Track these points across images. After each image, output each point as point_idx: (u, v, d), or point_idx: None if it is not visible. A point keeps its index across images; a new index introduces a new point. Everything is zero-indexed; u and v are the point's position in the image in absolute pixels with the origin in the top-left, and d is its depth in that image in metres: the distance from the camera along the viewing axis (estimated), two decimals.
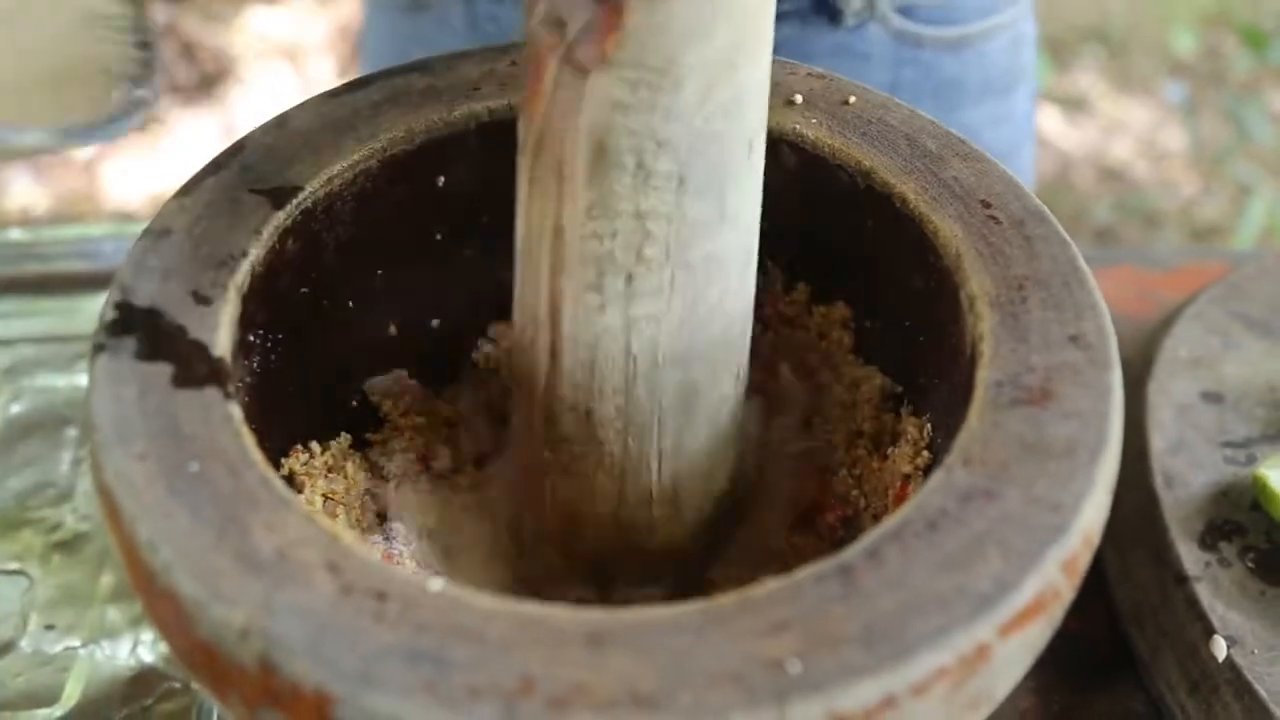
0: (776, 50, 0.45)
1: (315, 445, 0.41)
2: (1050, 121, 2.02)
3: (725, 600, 0.28)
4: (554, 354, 0.37)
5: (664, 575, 0.43)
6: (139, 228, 0.72)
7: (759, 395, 0.48)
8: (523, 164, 0.36)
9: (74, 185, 1.85)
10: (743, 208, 0.38)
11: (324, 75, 2.03)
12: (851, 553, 0.29)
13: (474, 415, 0.48)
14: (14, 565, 0.54)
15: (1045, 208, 0.39)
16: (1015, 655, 0.29)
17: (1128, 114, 2.08)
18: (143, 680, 0.49)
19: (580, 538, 0.41)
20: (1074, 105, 2.09)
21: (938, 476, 0.31)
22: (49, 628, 0.51)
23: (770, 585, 0.28)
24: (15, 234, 0.73)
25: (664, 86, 0.32)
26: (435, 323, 0.48)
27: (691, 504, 0.42)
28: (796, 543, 0.44)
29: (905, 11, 0.69)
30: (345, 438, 0.43)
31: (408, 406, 0.46)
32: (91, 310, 0.68)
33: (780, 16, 0.77)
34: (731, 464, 0.43)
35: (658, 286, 0.36)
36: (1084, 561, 0.31)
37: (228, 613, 0.27)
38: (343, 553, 0.29)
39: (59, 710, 0.48)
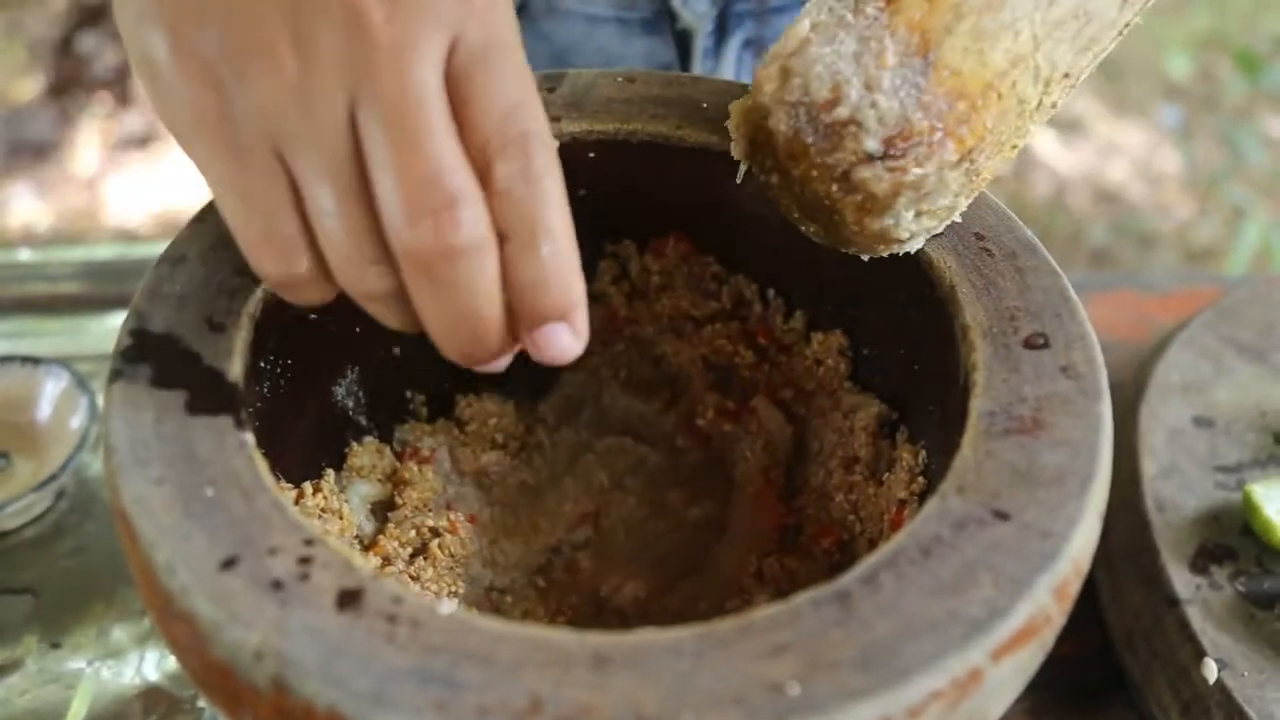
0: None
1: (308, 486, 0.41)
2: (1046, 144, 2.03)
3: (725, 624, 0.29)
4: None
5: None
6: (144, 248, 0.73)
7: (732, 426, 0.49)
8: None
9: (76, 203, 1.85)
10: None
11: None
12: (848, 579, 0.30)
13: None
14: (21, 583, 0.54)
15: (1036, 240, 0.40)
16: (1007, 678, 0.30)
17: (1123, 137, 2.09)
18: (148, 698, 0.49)
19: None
20: (1070, 128, 2.10)
21: (932, 504, 0.32)
22: (55, 646, 0.52)
23: (769, 610, 0.29)
24: (23, 254, 0.74)
25: None
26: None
27: None
28: (790, 566, 0.45)
29: None
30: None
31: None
32: (97, 330, 0.69)
33: None
34: None
35: None
36: (1074, 587, 0.31)
37: (243, 634, 0.28)
38: (355, 576, 0.30)
39: None
